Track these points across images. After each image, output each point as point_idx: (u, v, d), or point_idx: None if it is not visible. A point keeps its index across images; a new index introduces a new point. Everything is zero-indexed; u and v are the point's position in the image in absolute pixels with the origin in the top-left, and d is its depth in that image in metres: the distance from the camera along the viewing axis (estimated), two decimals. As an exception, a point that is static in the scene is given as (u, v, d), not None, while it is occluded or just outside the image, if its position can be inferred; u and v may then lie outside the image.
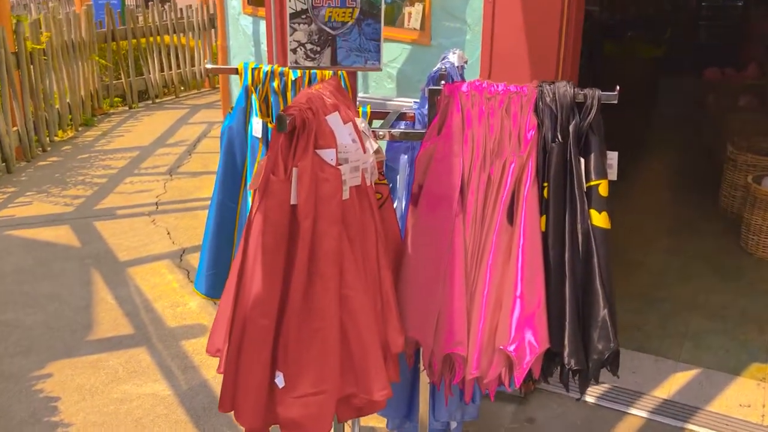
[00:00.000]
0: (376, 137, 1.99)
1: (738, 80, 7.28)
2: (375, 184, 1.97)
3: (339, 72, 2.16)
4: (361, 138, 1.83)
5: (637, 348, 3.52)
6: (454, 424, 2.41)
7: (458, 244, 1.90)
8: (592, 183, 1.89)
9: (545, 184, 1.87)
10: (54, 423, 3.01)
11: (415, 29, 3.25)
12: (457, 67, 2.37)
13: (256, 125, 2.34)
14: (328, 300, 1.66)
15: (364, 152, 1.82)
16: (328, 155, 1.65)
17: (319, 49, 1.94)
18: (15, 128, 6.43)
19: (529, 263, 1.85)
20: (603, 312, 1.90)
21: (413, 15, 3.28)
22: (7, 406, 3.09)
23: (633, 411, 3.03)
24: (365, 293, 1.75)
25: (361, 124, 1.87)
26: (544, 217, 1.88)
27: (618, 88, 1.86)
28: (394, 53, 3.36)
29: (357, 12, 1.93)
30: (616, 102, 1.87)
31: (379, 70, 1.98)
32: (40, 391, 3.22)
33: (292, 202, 1.61)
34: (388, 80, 3.44)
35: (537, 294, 1.86)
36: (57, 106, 7.33)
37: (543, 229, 1.88)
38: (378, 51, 1.95)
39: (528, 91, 1.86)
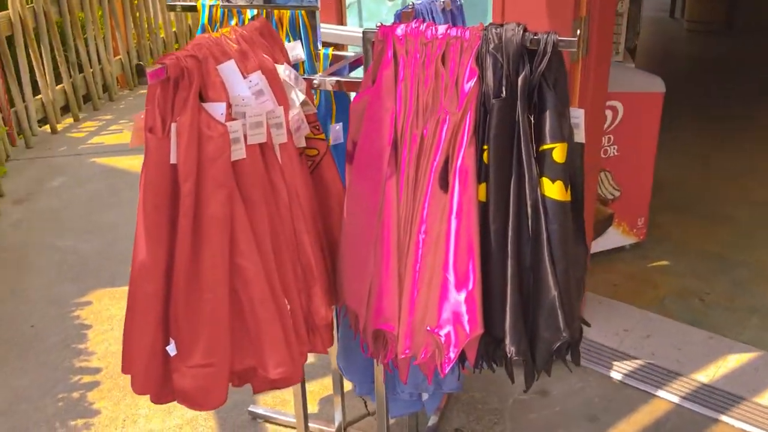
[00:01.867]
0: (313, 86, 1.79)
1: None
2: (308, 139, 1.79)
3: (297, 11, 1.96)
4: (279, 89, 1.64)
5: (692, 321, 3.13)
6: (425, 396, 2.24)
7: (390, 211, 1.69)
8: (546, 147, 1.59)
9: (485, 147, 1.60)
10: (79, 350, 3.15)
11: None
12: (443, 1, 2.08)
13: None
14: (216, 269, 1.53)
15: (281, 105, 1.63)
16: (217, 109, 1.49)
17: (250, -15, 1.74)
18: (118, 57, 6.70)
19: (462, 237, 1.61)
20: (551, 296, 1.63)
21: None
22: (44, 330, 3.27)
23: (662, 394, 2.69)
24: (267, 261, 1.59)
25: (285, 72, 1.67)
26: (484, 185, 1.62)
27: (579, 32, 1.53)
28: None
29: (296, -59, 1.71)
30: (575, 49, 1.54)
31: (316, 8, 1.76)
32: (77, 317, 3.39)
33: (171, 162, 1.47)
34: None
35: (470, 272, 1.62)
36: (162, 35, 7.55)
37: (483, 198, 1.62)
38: (315, -14, 1.72)
39: (470, 35, 1.58)
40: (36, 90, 5.62)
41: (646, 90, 3.31)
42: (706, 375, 2.79)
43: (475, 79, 1.57)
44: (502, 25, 1.57)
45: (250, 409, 2.71)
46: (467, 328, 1.64)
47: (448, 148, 1.61)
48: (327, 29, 2.27)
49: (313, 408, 2.74)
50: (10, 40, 5.33)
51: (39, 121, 5.66)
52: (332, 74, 1.83)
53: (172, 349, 1.58)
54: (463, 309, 1.64)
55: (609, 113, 3.25)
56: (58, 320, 3.34)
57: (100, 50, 6.35)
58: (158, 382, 1.63)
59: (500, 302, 1.67)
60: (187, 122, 1.44)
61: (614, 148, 3.35)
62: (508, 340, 1.67)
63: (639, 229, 3.60)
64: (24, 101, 5.43)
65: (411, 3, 1.91)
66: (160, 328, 1.58)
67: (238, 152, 1.52)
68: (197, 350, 1.57)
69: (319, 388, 2.82)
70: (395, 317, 1.74)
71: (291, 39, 1.99)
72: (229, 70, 1.51)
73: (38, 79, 5.60)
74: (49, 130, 5.73)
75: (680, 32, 8.50)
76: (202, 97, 1.50)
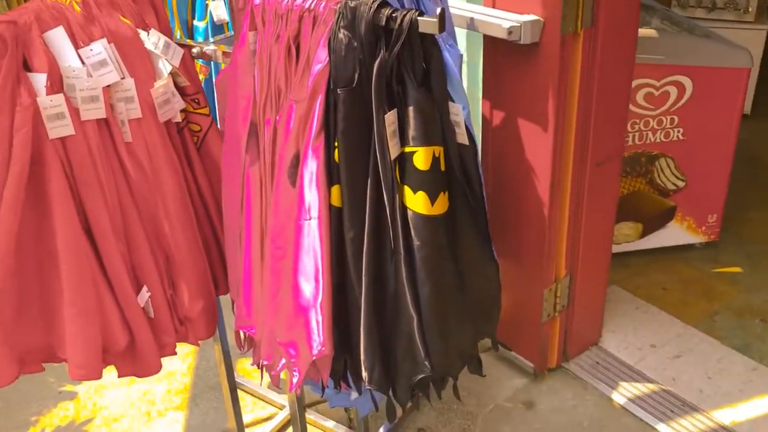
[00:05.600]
0: (193, 55, 1.61)
1: None
2: (189, 113, 1.63)
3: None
4: (138, 58, 1.49)
5: (741, 346, 2.63)
6: (354, 394, 2.05)
7: (251, 202, 1.50)
8: (407, 149, 1.32)
9: (336, 144, 1.35)
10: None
11: None
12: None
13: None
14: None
15: (134, 76, 1.48)
16: (38, 81, 1.36)
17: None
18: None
19: (310, 243, 1.40)
20: (410, 322, 1.39)
21: None
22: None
23: (664, 430, 2.30)
24: (106, 245, 1.48)
25: (151, 39, 1.51)
26: (337, 187, 1.38)
27: (440, 10, 1.22)
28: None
29: None
30: (436, 32, 1.23)
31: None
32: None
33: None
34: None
35: (319, 284, 1.40)
36: None
37: (338, 203, 1.39)
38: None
39: (324, 8, 1.32)
40: None
41: (726, 64, 2.74)
42: (732, 415, 2.34)
43: (324, 63, 1.31)
44: (360, -3, 1.29)
45: (222, 371, 2.67)
46: (313, 347, 1.43)
47: (297, 140, 1.38)
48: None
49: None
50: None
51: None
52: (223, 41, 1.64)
53: None
54: (311, 324, 1.44)
55: (673, 90, 2.75)
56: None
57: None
58: None
59: (358, 321, 1.44)
60: (-9, 92, 1.34)
61: (679, 132, 2.84)
62: (362, 366, 1.45)
63: (710, 227, 3.07)
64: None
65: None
66: None
67: (64, 128, 1.40)
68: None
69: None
70: (254, 321, 1.57)
71: (215, -3, 1.81)
72: (55, 38, 1.38)
73: None
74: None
75: None
76: (28, 67, 1.39)
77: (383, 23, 1.26)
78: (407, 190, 1.33)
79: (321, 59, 1.31)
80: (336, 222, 1.40)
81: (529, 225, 2.22)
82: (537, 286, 2.32)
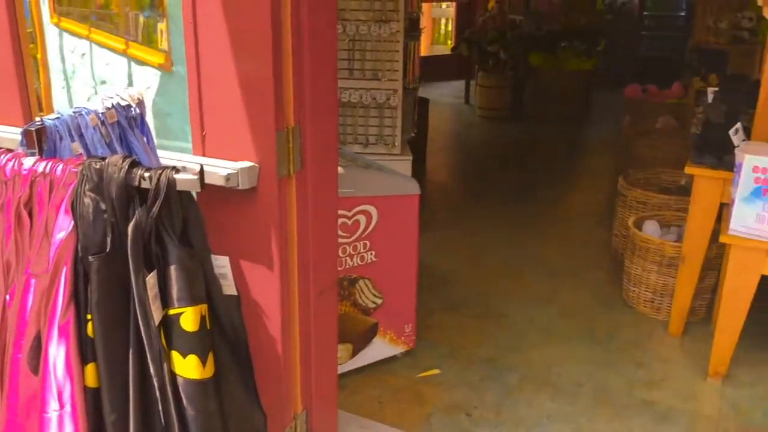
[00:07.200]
0: None
1: (659, 98, 6.71)
2: None
3: None
4: None
5: (456, 441, 2.89)
6: None
7: (-29, 402, 1.24)
8: (171, 312, 1.24)
9: (89, 317, 1.21)
10: None
11: (163, 50, 2.60)
12: (101, 113, 1.71)
13: None
14: None
15: None
16: None
17: None
18: None
19: (62, 438, 1.20)
20: (192, 506, 1.25)
21: (163, 32, 2.64)
22: None
23: None
24: None
25: None
26: (92, 365, 1.22)
27: (200, 167, 1.21)
28: (149, 80, 2.70)
29: None
30: (198, 189, 1.22)
31: None
32: None
33: None
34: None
35: (77, 485, 1.20)
36: None
37: (94, 384, 1.23)
38: None
39: (62, 171, 1.20)
40: None
41: (401, 193, 3.13)
42: None
43: (68, 230, 1.19)
44: (104, 158, 1.21)
45: None
46: None
47: (39, 319, 1.20)
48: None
49: None
50: None
51: None
52: None
53: None
54: None
55: (363, 218, 3.03)
56: None
57: None
58: None
59: None
60: None
61: (371, 254, 3.11)
62: None
63: (407, 336, 3.36)
64: None
65: (39, 118, 1.51)
66: None
67: None
68: None
69: None
70: None
71: None
72: None
73: None
74: None
75: (474, 118, 8.84)
76: None
77: (136, 183, 1.19)
78: (176, 355, 1.24)
79: (64, 226, 1.18)
80: (92, 406, 1.22)
81: (265, 366, 2.18)
82: (278, 428, 2.27)
